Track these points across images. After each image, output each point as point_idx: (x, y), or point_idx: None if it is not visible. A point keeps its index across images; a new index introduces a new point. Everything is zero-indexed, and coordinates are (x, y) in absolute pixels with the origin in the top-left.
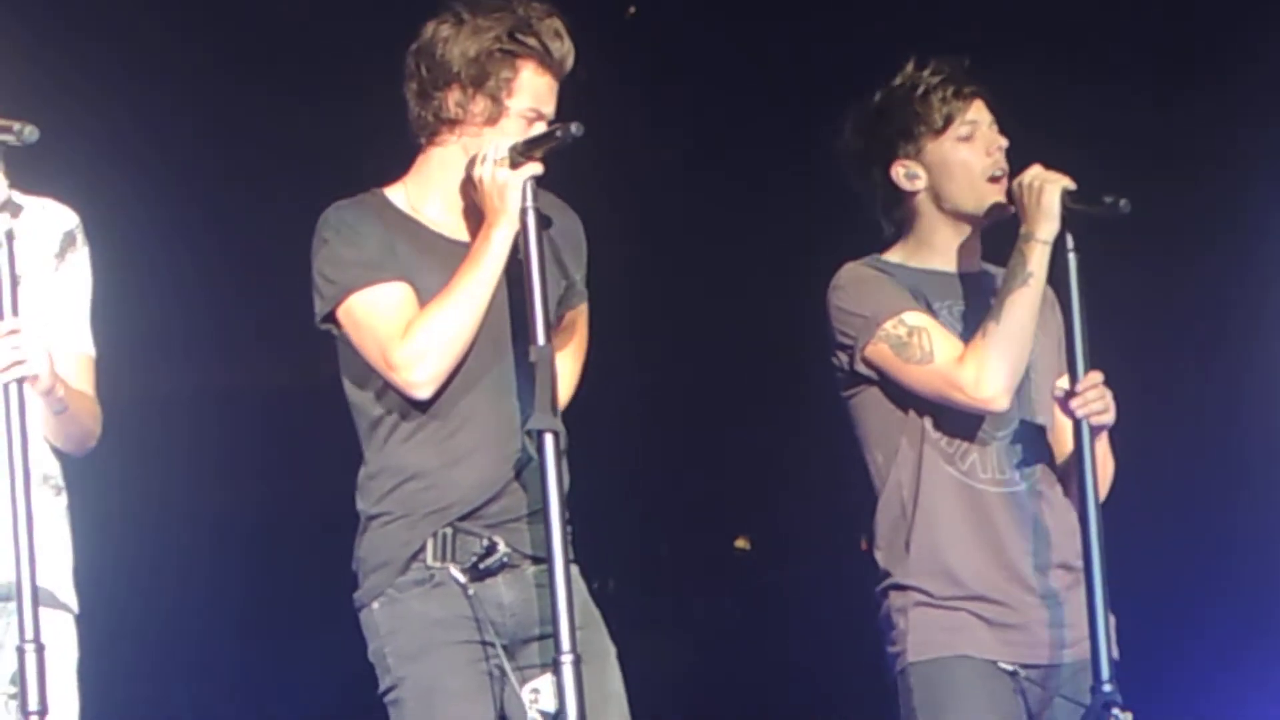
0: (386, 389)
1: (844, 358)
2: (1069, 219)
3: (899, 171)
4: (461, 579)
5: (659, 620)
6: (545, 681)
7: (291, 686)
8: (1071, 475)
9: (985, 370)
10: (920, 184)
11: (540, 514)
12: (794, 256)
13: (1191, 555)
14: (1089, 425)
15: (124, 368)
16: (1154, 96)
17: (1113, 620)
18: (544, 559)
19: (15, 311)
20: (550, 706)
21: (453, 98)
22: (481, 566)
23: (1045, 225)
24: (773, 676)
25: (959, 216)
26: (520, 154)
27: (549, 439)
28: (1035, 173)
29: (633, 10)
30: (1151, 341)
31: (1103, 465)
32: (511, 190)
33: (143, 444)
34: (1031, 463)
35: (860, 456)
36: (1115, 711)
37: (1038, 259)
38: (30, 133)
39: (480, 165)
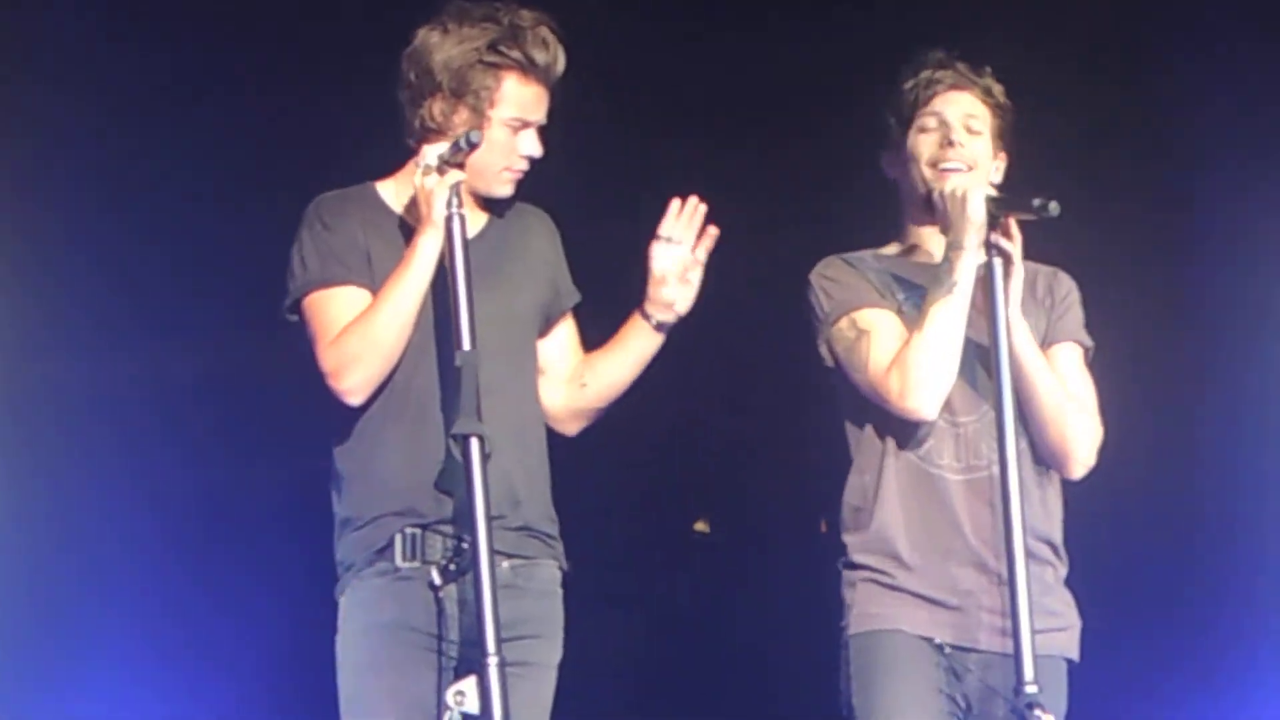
0: None
1: (816, 346)
2: (994, 225)
3: (883, 159)
4: (437, 581)
5: (616, 602)
6: (470, 684)
7: (215, 680)
8: (1051, 453)
9: (908, 382)
10: (895, 173)
11: (506, 516)
12: (765, 241)
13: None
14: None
15: (33, 360)
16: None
17: (1078, 623)
18: (513, 555)
19: None
20: (474, 709)
21: (437, 107)
22: (451, 568)
23: (970, 233)
24: (729, 659)
25: (920, 206)
26: (446, 162)
27: (474, 443)
28: (957, 180)
29: None
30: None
31: (1064, 419)
32: (437, 197)
33: (59, 437)
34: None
35: (839, 441)
36: (1037, 713)
37: (963, 267)
38: None
39: (415, 174)
